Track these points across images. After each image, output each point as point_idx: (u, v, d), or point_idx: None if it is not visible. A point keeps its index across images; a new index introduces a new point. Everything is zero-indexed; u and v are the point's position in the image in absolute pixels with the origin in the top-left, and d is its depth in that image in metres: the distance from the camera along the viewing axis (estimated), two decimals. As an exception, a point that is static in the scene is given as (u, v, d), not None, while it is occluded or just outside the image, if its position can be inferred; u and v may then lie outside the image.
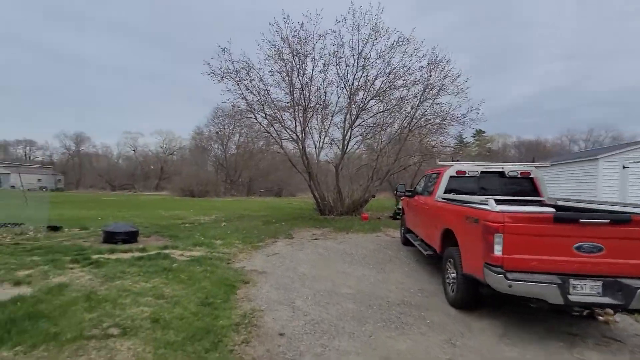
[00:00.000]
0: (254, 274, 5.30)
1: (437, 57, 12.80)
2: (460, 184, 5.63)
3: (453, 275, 4.10)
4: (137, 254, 6.00)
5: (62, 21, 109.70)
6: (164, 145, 69.65)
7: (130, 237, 7.34)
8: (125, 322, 3.14)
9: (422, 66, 12.98)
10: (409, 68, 13.04)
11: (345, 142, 14.61)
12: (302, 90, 13.40)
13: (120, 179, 62.96)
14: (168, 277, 4.65)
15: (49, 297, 3.55)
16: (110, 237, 7.10)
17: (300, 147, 14.33)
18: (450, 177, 5.52)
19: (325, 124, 14.50)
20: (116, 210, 16.71)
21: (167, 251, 6.42)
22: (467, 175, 5.57)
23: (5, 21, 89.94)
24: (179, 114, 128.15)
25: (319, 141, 14.88)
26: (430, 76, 12.99)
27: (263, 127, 14.25)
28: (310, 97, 13.66)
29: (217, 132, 50.55)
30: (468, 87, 13.12)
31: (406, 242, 7.77)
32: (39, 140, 73.41)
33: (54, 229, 7.93)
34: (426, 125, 14.25)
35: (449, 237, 4.40)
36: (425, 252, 5.56)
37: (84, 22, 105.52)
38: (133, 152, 69.99)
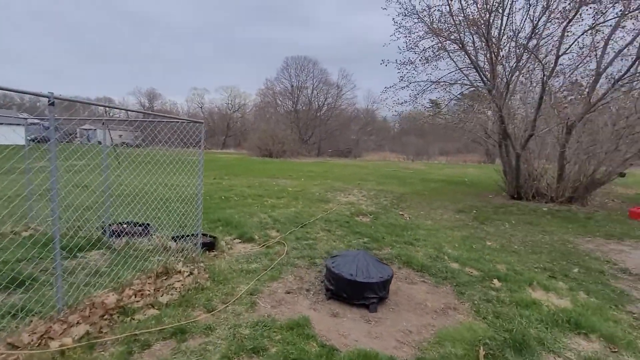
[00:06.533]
0: None
1: None
2: None
3: None
4: None
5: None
6: (229, 102, 67.74)
7: (384, 288, 3.16)
8: None
9: None
10: None
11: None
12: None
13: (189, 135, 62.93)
14: None
15: None
16: (356, 292, 2.96)
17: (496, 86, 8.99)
18: None
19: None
20: (230, 175, 13.22)
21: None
22: None
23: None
24: (242, 71, 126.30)
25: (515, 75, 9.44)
26: None
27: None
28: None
29: (292, 86, 46.02)
30: None
31: None
32: (116, 98, 75.99)
33: (209, 245, 4.07)
34: None
35: None
36: None
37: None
38: (200, 108, 69.31)
